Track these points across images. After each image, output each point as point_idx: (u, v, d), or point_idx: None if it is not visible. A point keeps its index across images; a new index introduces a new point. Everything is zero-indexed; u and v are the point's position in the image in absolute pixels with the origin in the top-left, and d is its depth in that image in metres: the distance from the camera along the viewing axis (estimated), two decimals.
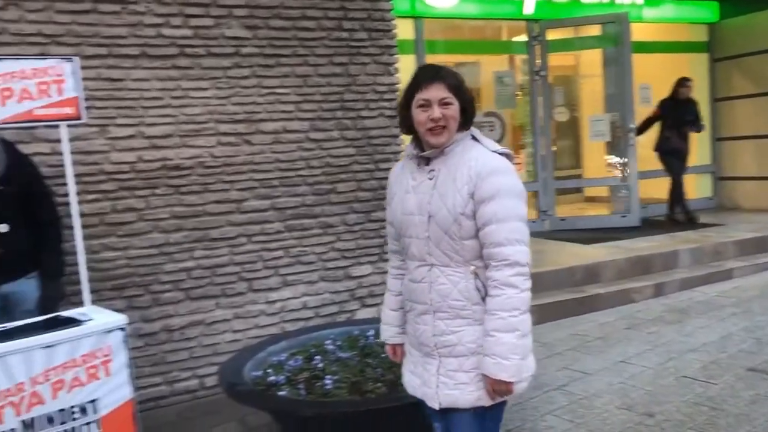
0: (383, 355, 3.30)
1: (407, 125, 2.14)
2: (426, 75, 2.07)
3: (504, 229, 1.97)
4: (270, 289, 4.37)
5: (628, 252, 6.29)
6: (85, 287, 3.19)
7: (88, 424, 2.88)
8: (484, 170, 1.99)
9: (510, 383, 1.96)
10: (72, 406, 2.84)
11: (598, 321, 5.25)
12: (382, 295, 4.69)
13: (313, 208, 4.48)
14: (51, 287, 3.41)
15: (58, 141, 3.76)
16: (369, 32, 4.58)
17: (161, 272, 4.07)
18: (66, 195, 3.64)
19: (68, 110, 3.08)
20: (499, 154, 2.07)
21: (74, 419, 2.85)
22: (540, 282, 5.57)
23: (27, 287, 3.37)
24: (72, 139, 3.71)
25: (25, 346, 2.75)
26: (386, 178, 4.69)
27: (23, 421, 2.73)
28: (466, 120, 2.10)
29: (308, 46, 4.40)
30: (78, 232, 3.16)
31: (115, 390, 2.95)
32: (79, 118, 3.11)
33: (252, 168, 4.30)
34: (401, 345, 2.36)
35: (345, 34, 4.51)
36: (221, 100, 4.18)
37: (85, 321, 2.98)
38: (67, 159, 3.09)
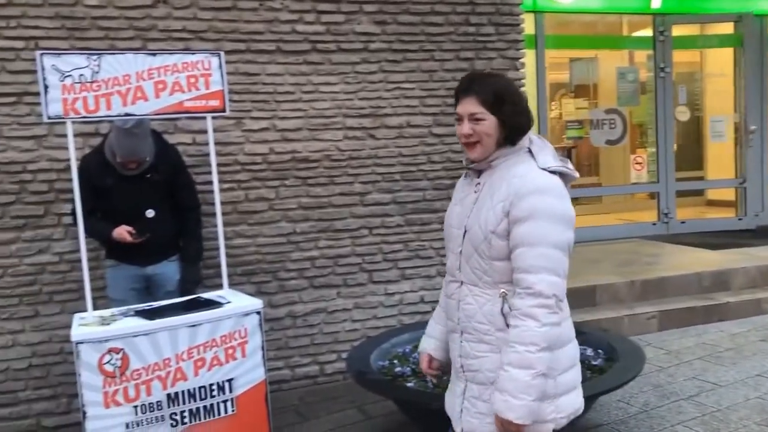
0: None
1: None
2: (460, 86, 1.97)
3: (531, 254, 1.81)
4: (389, 282, 4.43)
5: (759, 260, 5.89)
6: (224, 271, 3.35)
7: (225, 401, 3.04)
8: (524, 188, 1.85)
9: (519, 425, 1.78)
10: (211, 384, 3.00)
11: (729, 331, 4.95)
12: None
13: (433, 203, 4.49)
14: (190, 270, 3.61)
15: (198, 132, 3.99)
16: (496, 27, 4.54)
17: (288, 260, 4.22)
18: (204, 183, 3.85)
19: (214, 103, 3.24)
20: (552, 171, 1.89)
21: (213, 396, 3.01)
22: (665, 287, 5.36)
23: (169, 269, 3.58)
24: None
25: (172, 324, 2.93)
26: None
27: (168, 395, 2.91)
28: (509, 135, 1.92)
29: (435, 41, 4.42)
30: (219, 220, 3.32)
31: (250, 371, 3.09)
32: (223, 111, 3.26)
33: (375, 162, 4.36)
34: (437, 360, 2.20)
35: (472, 29, 4.49)
36: (349, 94, 4.27)
37: (224, 303, 3.13)
38: (212, 150, 3.25)
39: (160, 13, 3.89)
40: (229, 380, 3.04)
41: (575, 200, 8.73)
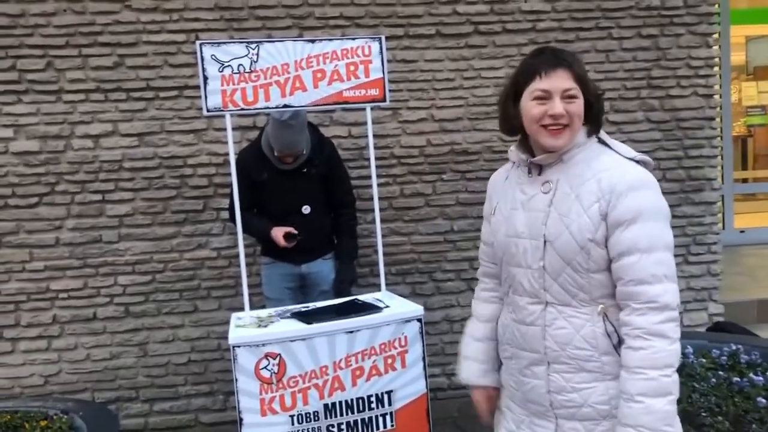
0: (713, 381, 2.78)
1: (510, 123, 1.71)
2: (547, 59, 1.63)
3: (649, 261, 1.53)
4: None
5: None
6: (382, 272, 3.12)
7: (384, 415, 2.80)
8: (621, 184, 1.55)
9: None
10: (369, 396, 2.77)
11: None
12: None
13: None
14: (345, 270, 3.42)
15: (354, 124, 3.80)
16: None
17: (444, 260, 3.93)
18: (358, 178, 3.66)
19: (374, 92, 2.99)
20: (637, 161, 1.63)
21: (371, 409, 2.78)
22: None
23: (324, 268, 3.41)
24: (365, 123, 3.69)
25: (330, 329, 2.73)
26: (698, 167, 4.08)
27: (325, 405, 2.72)
28: (592, 119, 1.65)
29: (612, 18, 3.93)
30: (377, 217, 3.09)
31: (410, 383, 2.83)
32: (384, 100, 3.01)
33: None
34: (493, 389, 1.92)
35: (656, 2, 3.94)
36: None
37: (383, 308, 2.89)
38: (371, 143, 3.02)
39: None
40: (389, 392, 2.80)
41: (752, 196, 7.84)
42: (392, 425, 2.80)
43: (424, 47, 3.82)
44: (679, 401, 2.56)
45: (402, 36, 3.79)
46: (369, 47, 2.98)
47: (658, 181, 1.59)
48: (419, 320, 2.84)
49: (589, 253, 1.58)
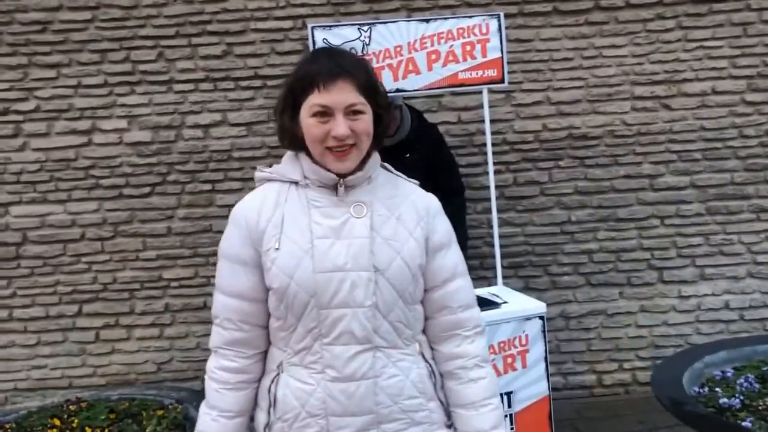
0: None
1: (289, 137, 1.39)
2: (324, 67, 1.34)
3: (467, 285, 1.47)
4: (683, 282, 3.69)
5: None
6: (498, 266, 2.94)
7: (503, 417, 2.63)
8: (432, 207, 1.46)
9: None
10: None
11: None
12: None
13: (744, 187, 3.64)
14: None
15: (464, 109, 3.63)
16: None
17: (561, 253, 3.69)
18: (468, 166, 3.50)
19: (491, 73, 2.82)
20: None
21: None
22: None
23: None
24: (476, 107, 3.52)
25: None
26: None
27: None
28: (376, 136, 1.41)
29: None
30: (494, 206, 2.91)
31: (531, 384, 2.67)
32: (502, 81, 2.83)
33: (670, 138, 3.64)
34: None
35: None
36: (638, 58, 3.60)
37: (500, 304, 2.73)
38: (488, 128, 2.84)
39: None
40: (508, 393, 2.63)
41: None
42: (512, 428, 2.64)
43: (540, 25, 3.58)
44: None
45: (516, 14, 3.57)
46: (487, 25, 2.81)
47: None
48: (541, 318, 2.66)
49: (417, 281, 1.40)
